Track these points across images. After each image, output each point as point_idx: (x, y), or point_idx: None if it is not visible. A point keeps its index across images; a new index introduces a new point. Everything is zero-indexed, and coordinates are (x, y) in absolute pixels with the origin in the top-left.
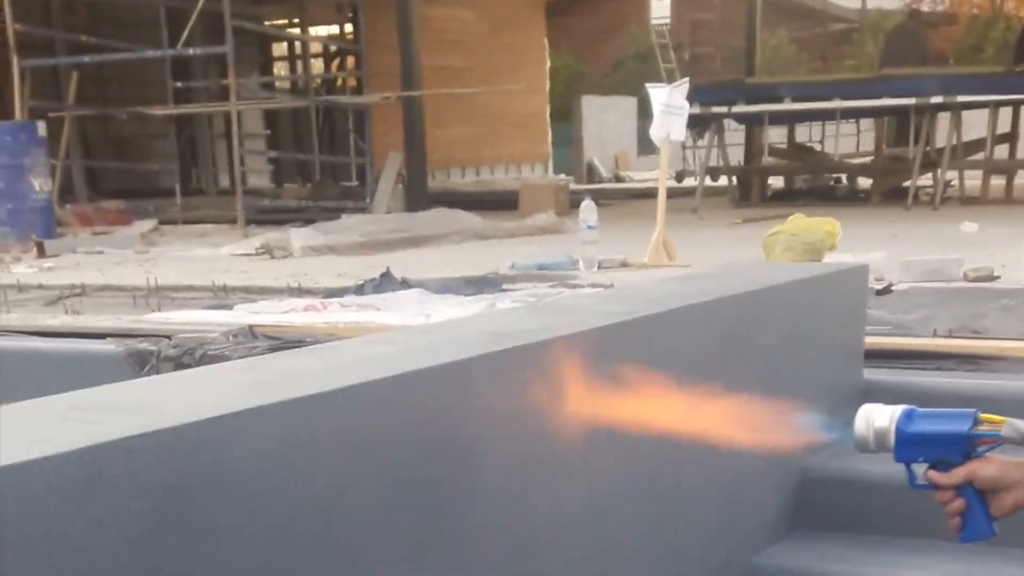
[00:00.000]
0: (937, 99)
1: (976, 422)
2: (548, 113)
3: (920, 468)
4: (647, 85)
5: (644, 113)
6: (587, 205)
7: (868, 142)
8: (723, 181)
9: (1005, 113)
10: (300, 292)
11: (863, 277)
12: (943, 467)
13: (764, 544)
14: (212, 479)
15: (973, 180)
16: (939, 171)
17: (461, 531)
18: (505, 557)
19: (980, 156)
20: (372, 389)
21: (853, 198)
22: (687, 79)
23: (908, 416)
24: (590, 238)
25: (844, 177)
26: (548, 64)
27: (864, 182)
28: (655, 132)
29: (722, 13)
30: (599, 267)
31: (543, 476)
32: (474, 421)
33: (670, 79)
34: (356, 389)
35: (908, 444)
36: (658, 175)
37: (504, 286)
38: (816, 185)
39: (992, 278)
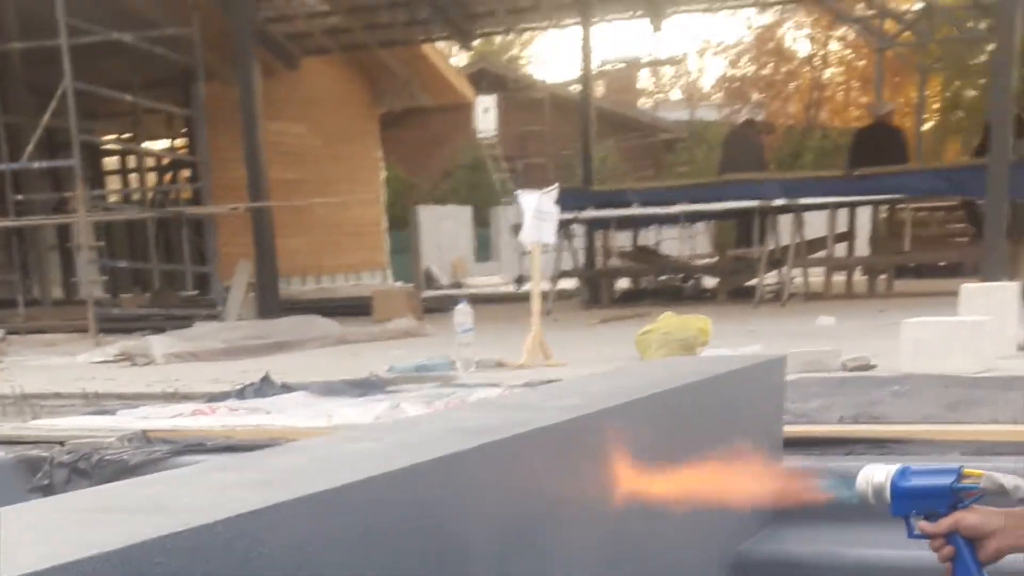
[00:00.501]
0: (779, 202)
1: (960, 476)
2: (385, 222)
3: (916, 520)
4: (516, 192)
5: (479, 221)
6: (462, 308)
7: (702, 244)
8: (563, 284)
9: (842, 213)
10: (178, 398)
11: (781, 369)
12: (933, 518)
13: None
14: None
15: (815, 277)
16: (784, 269)
17: None
18: None
19: (822, 254)
20: (380, 483)
21: (700, 297)
22: (556, 185)
23: (902, 473)
24: (466, 340)
25: (690, 277)
26: (383, 175)
27: (710, 281)
28: (526, 236)
29: (552, 125)
30: (476, 367)
31: (523, 554)
32: (465, 511)
33: (502, 188)
34: (367, 483)
35: (902, 498)
36: (530, 278)
37: (388, 388)
38: (663, 286)
39: (869, 367)
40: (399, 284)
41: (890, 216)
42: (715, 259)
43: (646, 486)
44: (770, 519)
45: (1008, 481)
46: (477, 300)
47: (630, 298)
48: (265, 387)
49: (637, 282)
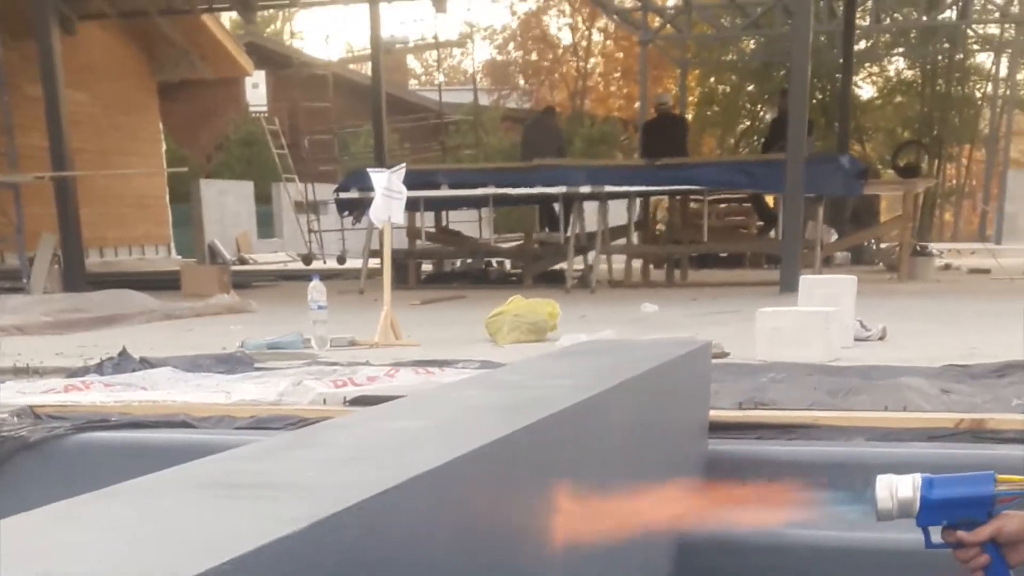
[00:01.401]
0: (585, 189)
1: (996, 482)
2: (167, 196)
3: (935, 530)
4: (368, 170)
5: (261, 197)
6: (316, 285)
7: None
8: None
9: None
10: (28, 372)
11: (707, 354)
12: (966, 526)
13: None
14: (381, 553)
15: (616, 264)
16: (591, 255)
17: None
18: None
19: (623, 241)
20: (470, 459)
21: (506, 281)
22: (403, 164)
23: (929, 484)
24: (320, 317)
25: (495, 261)
26: (164, 147)
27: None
28: (376, 214)
29: (336, 103)
30: (330, 345)
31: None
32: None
33: (282, 164)
34: (461, 461)
35: (933, 509)
36: (382, 255)
37: (256, 365)
38: (470, 268)
39: (724, 355)
40: (185, 260)
41: (682, 207)
42: (519, 243)
43: (621, 461)
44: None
45: None
46: (284, 276)
47: (435, 280)
48: (124, 362)
49: (441, 264)
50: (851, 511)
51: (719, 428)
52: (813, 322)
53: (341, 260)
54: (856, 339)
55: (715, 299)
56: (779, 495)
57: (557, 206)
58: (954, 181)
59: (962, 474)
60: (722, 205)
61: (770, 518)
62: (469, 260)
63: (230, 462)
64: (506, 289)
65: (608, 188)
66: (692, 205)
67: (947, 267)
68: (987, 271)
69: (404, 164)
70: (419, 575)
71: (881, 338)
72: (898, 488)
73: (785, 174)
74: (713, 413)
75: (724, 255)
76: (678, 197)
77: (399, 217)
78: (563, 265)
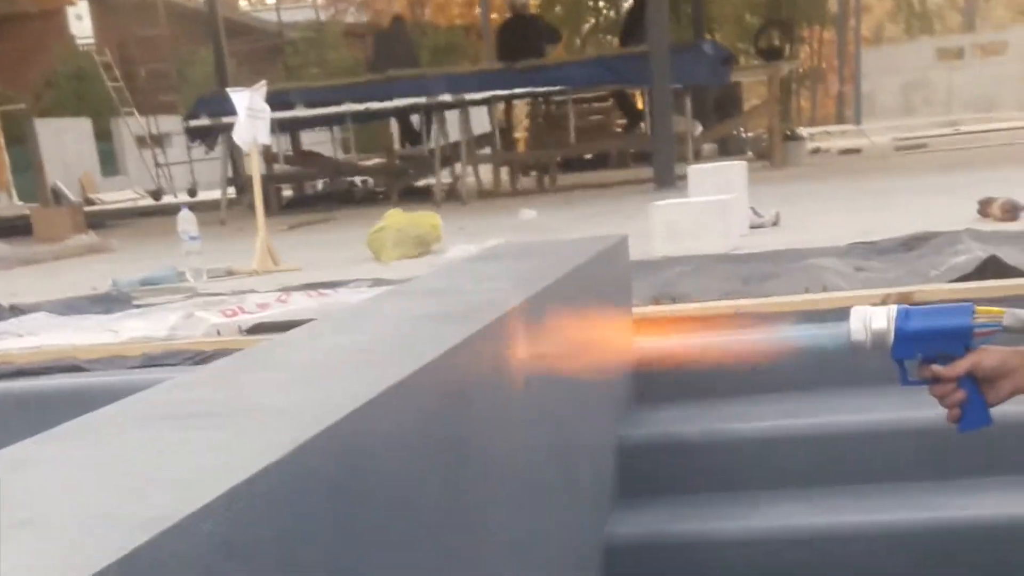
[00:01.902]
0: (445, 97)
1: (974, 314)
2: (2, 139)
3: (912, 365)
4: (228, 90)
5: (101, 135)
6: (185, 215)
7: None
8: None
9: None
10: None
11: (625, 249)
12: (943, 361)
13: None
14: (363, 471)
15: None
16: (458, 167)
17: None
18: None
19: (487, 150)
20: (434, 368)
21: (373, 199)
22: (264, 82)
23: (905, 315)
24: (193, 248)
25: (358, 180)
26: None
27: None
28: (240, 135)
29: (168, 30)
30: (208, 277)
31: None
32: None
33: (119, 98)
34: (426, 370)
35: (908, 341)
36: (253, 178)
37: (135, 302)
38: (333, 189)
39: None
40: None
41: (545, 109)
42: (382, 160)
43: (560, 363)
44: (635, 400)
45: None
46: (141, 213)
47: (298, 204)
48: None
49: (302, 187)
50: (828, 343)
51: (642, 325)
52: (711, 212)
53: (192, 192)
54: (751, 226)
55: (591, 201)
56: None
57: (416, 119)
58: (807, 64)
59: (939, 305)
60: (583, 105)
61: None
62: (329, 181)
63: (178, 392)
64: (373, 208)
65: (469, 96)
66: (553, 108)
67: (817, 151)
68: (858, 151)
69: (265, 81)
70: (399, 491)
71: (775, 223)
72: (872, 319)
73: (649, 67)
74: (650, 310)
75: (589, 157)
76: (541, 100)
77: (265, 137)
78: (430, 179)
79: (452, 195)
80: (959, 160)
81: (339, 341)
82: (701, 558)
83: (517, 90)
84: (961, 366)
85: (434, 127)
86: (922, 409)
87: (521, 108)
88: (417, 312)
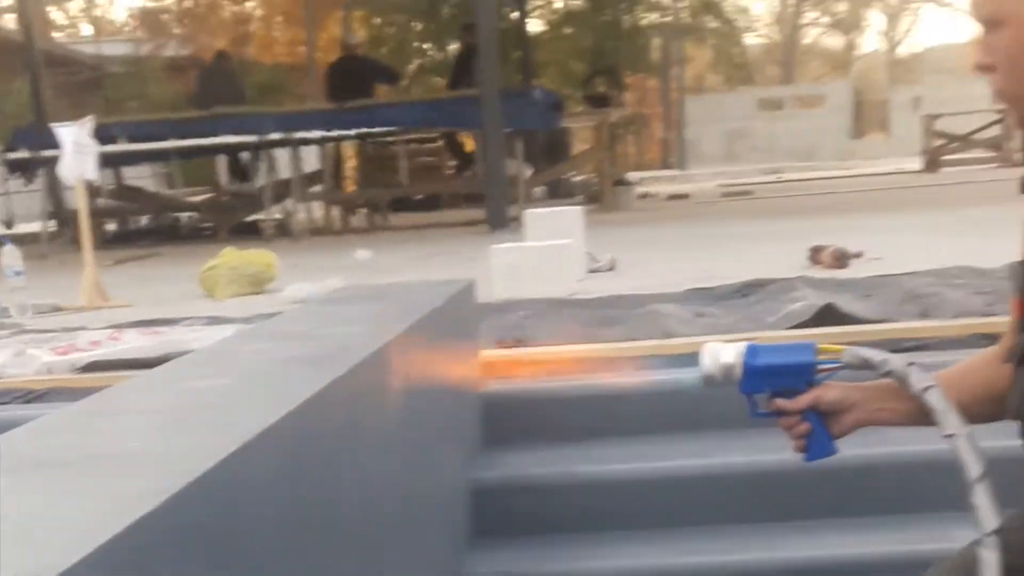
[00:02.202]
0: (276, 136)
1: (817, 351)
2: None
3: (761, 399)
4: (52, 125)
5: None
6: (10, 250)
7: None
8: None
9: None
10: None
11: (472, 293)
12: (788, 395)
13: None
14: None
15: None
16: (289, 204)
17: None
18: None
19: (317, 188)
20: (298, 414)
21: (199, 235)
22: (92, 117)
23: (752, 351)
24: (19, 284)
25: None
26: None
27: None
28: (68, 171)
29: None
30: (33, 313)
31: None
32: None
33: None
34: (291, 416)
35: (755, 376)
36: (80, 213)
37: None
38: (158, 224)
39: None
40: None
41: (375, 150)
42: (209, 195)
43: (413, 406)
44: (486, 442)
45: (873, 355)
46: None
47: (122, 240)
48: None
49: (125, 222)
50: (686, 378)
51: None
52: (551, 256)
53: (9, 224)
54: (589, 270)
55: (425, 242)
56: None
57: (243, 155)
58: (632, 110)
59: (785, 343)
60: (413, 146)
61: None
62: (153, 217)
63: (30, 438)
64: (201, 244)
65: (300, 134)
66: (384, 148)
67: (645, 195)
68: (685, 196)
69: (93, 116)
70: (275, 540)
71: (611, 268)
72: (721, 354)
73: (479, 110)
74: (496, 354)
75: (420, 198)
76: (370, 140)
77: (92, 172)
78: (259, 216)
79: (283, 232)
80: (784, 208)
81: (201, 384)
82: None
83: (350, 131)
84: (803, 400)
85: (263, 164)
86: (767, 453)
87: (350, 146)
88: (276, 355)
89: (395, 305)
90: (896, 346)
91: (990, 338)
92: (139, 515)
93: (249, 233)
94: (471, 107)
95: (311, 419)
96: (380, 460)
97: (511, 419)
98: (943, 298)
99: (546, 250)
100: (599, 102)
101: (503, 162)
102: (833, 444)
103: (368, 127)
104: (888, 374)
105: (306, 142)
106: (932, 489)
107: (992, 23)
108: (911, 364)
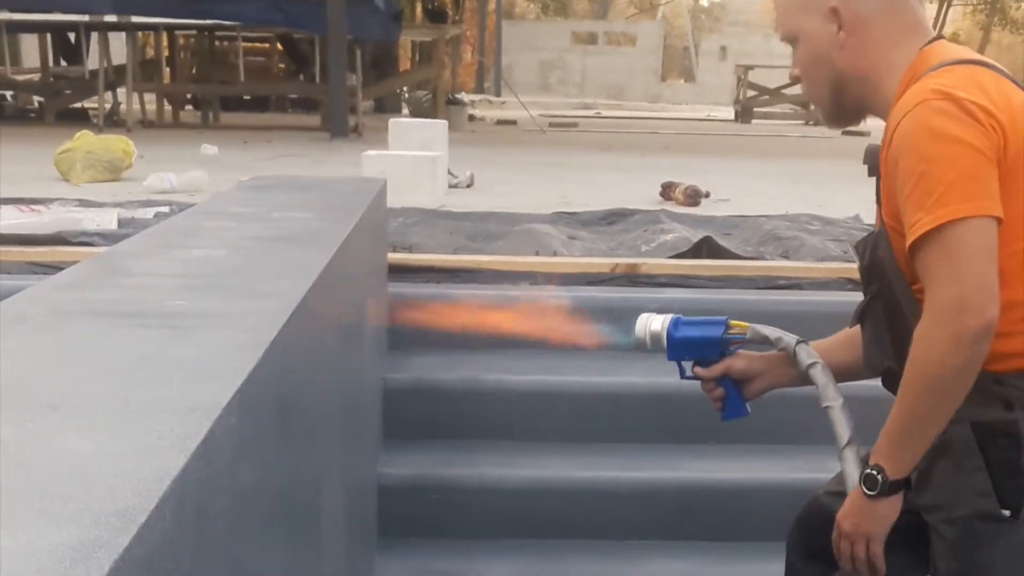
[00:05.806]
0: (111, 18)
1: (727, 327)
2: None
3: (688, 364)
4: None
5: None
6: None
7: None
8: None
9: None
10: None
11: (385, 195)
12: (705, 364)
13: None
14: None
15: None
16: (123, 92)
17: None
18: None
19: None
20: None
21: (24, 116)
22: None
23: (675, 323)
24: None
25: (8, 95)
26: None
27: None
28: None
29: None
30: None
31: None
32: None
33: None
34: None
35: (678, 347)
36: None
37: None
38: None
39: None
40: None
41: (210, 44)
42: (36, 76)
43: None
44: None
45: (771, 332)
46: None
47: None
48: None
49: None
50: (621, 342)
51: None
52: (422, 166)
53: None
54: (449, 185)
55: (268, 143)
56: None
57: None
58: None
59: (702, 317)
60: (245, 44)
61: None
62: None
63: (72, 292)
64: (26, 126)
65: (137, 18)
66: (219, 43)
67: (472, 118)
68: (514, 123)
69: None
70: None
71: (469, 185)
72: (650, 324)
73: (324, 14)
74: (399, 257)
75: (248, 98)
76: (207, 33)
77: None
78: (89, 102)
79: (114, 121)
80: (619, 143)
81: (198, 254)
82: (464, 501)
83: (184, 20)
84: (716, 369)
85: (98, 48)
86: (667, 376)
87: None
88: (247, 233)
89: (331, 198)
90: (771, 283)
91: (855, 282)
92: (254, 362)
93: (78, 118)
94: (314, 10)
95: (323, 295)
96: (332, 359)
97: (416, 324)
98: (802, 242)
99: (419, 160)
100: (437, 17)
101: (345, 70)
102: (745, 405)
103: (208, 18)
104: (782, 350)
105: (141, 28)
106: (815, 425)
107: (790, 40)
108: (800, 342)
